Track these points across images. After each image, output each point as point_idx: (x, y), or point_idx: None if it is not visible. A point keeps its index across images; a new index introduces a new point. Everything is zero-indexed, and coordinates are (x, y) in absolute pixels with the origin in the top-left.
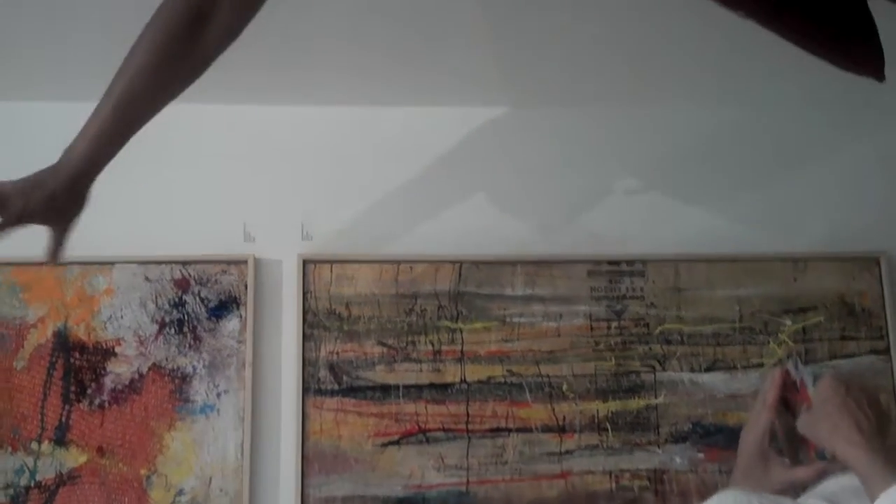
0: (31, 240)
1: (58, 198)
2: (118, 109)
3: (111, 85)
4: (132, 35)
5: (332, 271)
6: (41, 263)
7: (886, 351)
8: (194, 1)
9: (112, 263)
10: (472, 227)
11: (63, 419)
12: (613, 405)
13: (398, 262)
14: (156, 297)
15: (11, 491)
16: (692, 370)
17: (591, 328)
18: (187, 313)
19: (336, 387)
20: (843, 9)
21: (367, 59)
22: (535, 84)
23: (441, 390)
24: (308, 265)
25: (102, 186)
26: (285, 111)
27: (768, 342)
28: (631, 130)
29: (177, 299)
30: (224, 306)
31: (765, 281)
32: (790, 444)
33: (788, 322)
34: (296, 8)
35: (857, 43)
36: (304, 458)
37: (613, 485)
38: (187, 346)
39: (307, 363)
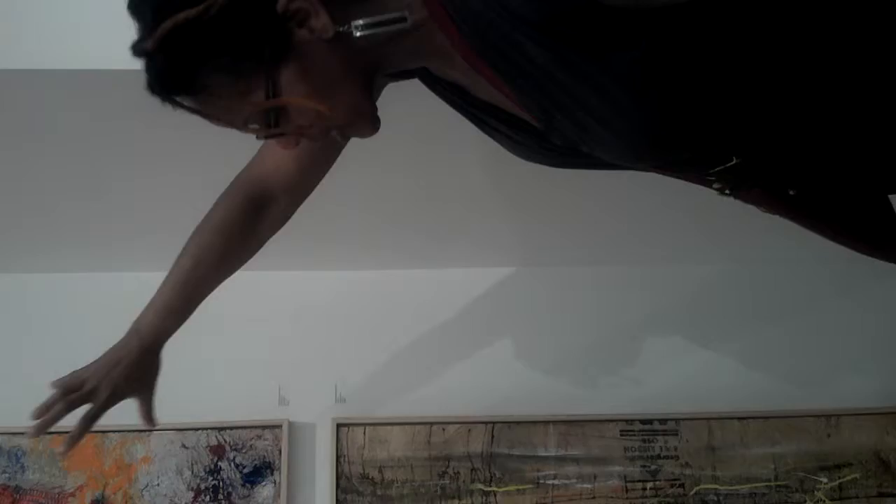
0: None
1: (135, 369)
2: (183, 287)
3: (175, 265)
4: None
5: (365, 434)
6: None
7: None
8: (253, 193)
9: (150, 431)
10: (503, 386)
11: None
12: None
13: (431, 424)
14: (192, 465)
15: None
16: None
17: (626, 489)
18: (222, 480)
19: None
20: (864, 204)
21: (392, 227)
22: (555, 245)
23: None
24: (341, 429)
25: None
26: (316, 276)
27: (805, 501)
28: (655, 288)
29: (212, 466)
30: (258, 472)
31: (798, 437)
32: None
33: (824, 479)
34: (326, 184)
35: (878, 232)
36: None
37: None
38: None
39: None
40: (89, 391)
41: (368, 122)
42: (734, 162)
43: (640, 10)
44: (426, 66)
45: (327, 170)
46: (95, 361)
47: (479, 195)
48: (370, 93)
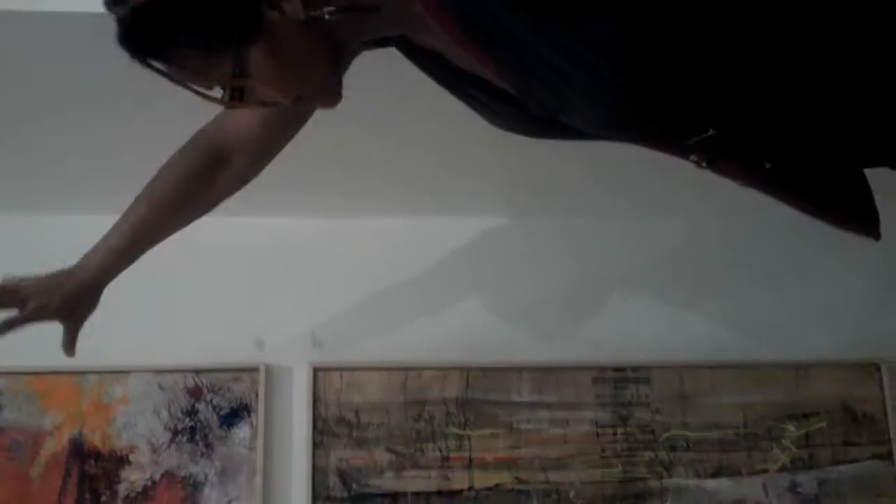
0: (47, 349)
1: (72, 299)
2: (135, 231)
3: (130, 208)
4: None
5: (342, 378)
6: (58, 372)
7: (889, 456)
8: (213, 148)
9: (127, 372)
10: (478, 334)
11: None
12: None
13: (406, 369)
14: (169, 406)
15: None
16: (698, 476)
17: (598, 434)
18: (199, 421)
19: (346, 494)
20: (840, 178)
21: (370, 174)
22: (533, 195)
23: (449, 497)
24: (318, 372)
25: (117, 298)
26: (293, 223)
27: (772, 448)
28: (631, 240)
29: (189, 407)
30: (235, 414)
31: (768, 387)
32: None
33: (792, 428)
34: (304, 129)
35: (855, 209)
36: None
37: None
38: (199, 454)
39: (317, 471)
40: (21, 299)
41: (331, 97)
42: (710, 133)
43: None
44: (402, 33)
45: (294, 132)
46: (40, 277)
47: (458, 145)
48: (338, 67)
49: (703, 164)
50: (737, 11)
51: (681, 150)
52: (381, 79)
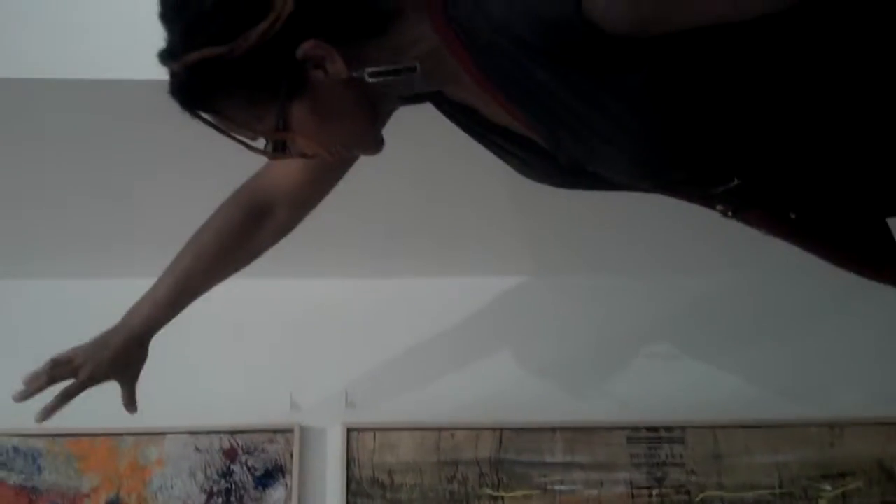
0: (86, 412)
1: (121, 356)
2: (179, 283)
3: (174, 261)
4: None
5: (375, 439)
6: (95, 434)
7: None
8: (255, 200)
9: (164, 434)
10: (510, 393)
11: None
12: None
13: (440, 430)
14: (205, 468)
15: None
16: None
17: (633, 496)
18: (234, 483)
19: None
20: (864, 228)
21: (402, 237)
22: (560, 254)
23: None
24: (352, 433)
25: (152, 360)
26: (329, 284)
27: None
28: (659, 297)
29: (225, 469)
30: (270, 475)
31: (802, 446)
32: None
33: (828, 487)
34: (340, 193)
35: (879, 258)
36: None
37: None
38: None
39: None
40: (75, 367)
41: (372, 147)
42: (735, 183)
43: (642, 37)
44: (437, 89)
45: (335, 182)
46: (88, 343)
47: (489, 205)
48: (376, 120)
49: (729, 214)
50: (759, 68)
51: (706, 200)
52: (413, 146)
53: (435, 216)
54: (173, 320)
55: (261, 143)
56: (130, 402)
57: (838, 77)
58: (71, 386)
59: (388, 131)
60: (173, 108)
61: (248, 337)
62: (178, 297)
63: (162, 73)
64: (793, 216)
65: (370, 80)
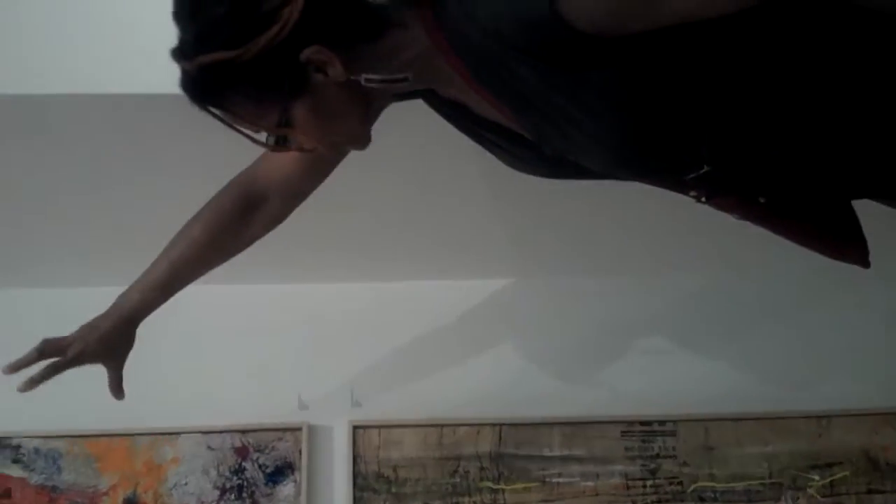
0: (102, 413)
1: (111, 338)
2: (171, 269)
3: (167, 248)
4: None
5: (380, 436)
6: (112, 435)
7: None
8: (249, 190)
9: (178, 434)
10: (510, 390)
11: None
12: None
13: (442, 426)
14: (218, 465)
15: None
16: None
17: (627, 487)
18: (246, 479)
19: None
20: (830, 211)
21: (406, 241)
22: (556, 257)
23: None
24: (358, 431)
25: (167, 363)
26: (333, 289)
27: (798, 497)
28: (652, 296)
29: (237, 466)
30: (280, 472)
31: (791, 437)
32: None
33: (816, 477)
34: (343, 203)
35: (844, 238)
36: None
37: None
38: None
39: None
40: (64, 346)
41: (362, 143)
42: (705, 170)
43: (615, 36)
44: (428, 87)
45: (326, 175)
46: (80, 326)
47: (488, 213)
48: (369, 119)
49: (702, 199)
50: (727, 62)
51: (679, 186)
52: (411, 160)
53: (433, 225)
54: (188, 328)
55: (262, 136)
56: (117, 387)
57: (801, 68)
58: (58, 361)
59: (390, 134)
60: (166, 120)
61: (257, 341)
62: (169, 284)
63: (152, 88)
64: (762, 200)
65: (365, 84)
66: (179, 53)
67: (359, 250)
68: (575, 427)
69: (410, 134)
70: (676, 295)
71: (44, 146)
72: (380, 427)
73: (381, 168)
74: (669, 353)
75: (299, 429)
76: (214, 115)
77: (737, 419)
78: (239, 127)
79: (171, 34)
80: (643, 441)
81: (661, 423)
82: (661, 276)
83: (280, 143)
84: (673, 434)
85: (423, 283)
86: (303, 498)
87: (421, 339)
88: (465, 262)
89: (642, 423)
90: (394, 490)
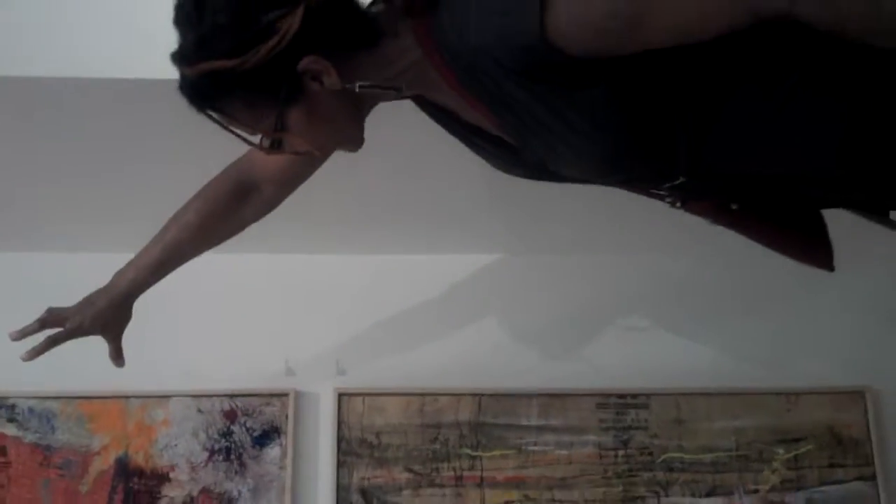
0: (96, 375)
1: (104, 313)
2: (165, 251)
3: (162, 230)
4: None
5: (364, 403)
6: (105, 397)
7: (873, 477)
8: (243, 177)
9: (169, 397)
10: (490, 362)
11: None
12: None
13: (424, 395)
14: (207, 428)
15: None
16: (693, 496)
17: (600, 456)
18: (234, 442)
19: None
20: (799, 217)
21: (392, 216)
22: (538, 235)
23: None
24: (343, 398)
25: (160, 329)
26: (323, 259)
27: (763, 469)
28: (632, 275)
29: (225, 429)
30: (267, 435)
31: (760, 413)
32: None
33: (781, 451)
34: (334, 180)
35: (811, 243)
36: None
37: None
38: (234, 472)
39: (341, 488)
40: (63, 318)
41: (354, 146)
42: (681, 180)
43: (600, 59)
44: (419, 93)
45: (319, 165)
46: (80, 301)
47: (473, 190)
48: (361, 122)
49: (677, 205)
50: (704, 83)
51: (656, 194)
52: (402, 136)
53: (422, 200)
54: (182, 297)
55: (257, 138)
56: (117, 356)
57: (782, 88)
58: (58, 333)
59: (387, 122)
60: (158, 105)
61: (247, 308)
62: (163, 265)
63: (140, 73)
64: (734, 207)
65: (359, 92)
66: (179, 58)
67: (349, 223)
68: (552, 398)
69: (402, 112)
70: (655, 276)
71: (37, 126)
72: (364, 395)
73: (373, 144)
74: (646, 331)
75: (286, 394)
76: (211, 118)
77: (708, 394)
78: (235, 129)
79: (166, 19)
80: (617, 413)
81: (635, 396)
82: (641, 257)
83: (274, 147)
84: (646, 407)
85: (410, 257)
86: (288, 461)
87: (406, 311)
88: (453, 238)
89: (617, 396)
90: (376, 455)
